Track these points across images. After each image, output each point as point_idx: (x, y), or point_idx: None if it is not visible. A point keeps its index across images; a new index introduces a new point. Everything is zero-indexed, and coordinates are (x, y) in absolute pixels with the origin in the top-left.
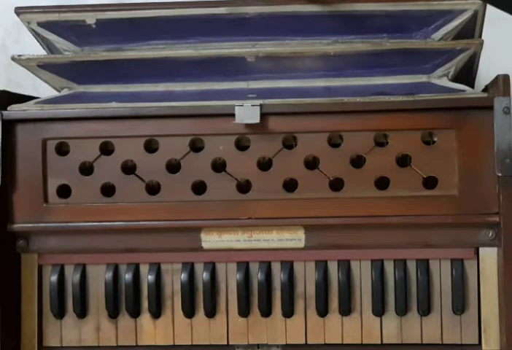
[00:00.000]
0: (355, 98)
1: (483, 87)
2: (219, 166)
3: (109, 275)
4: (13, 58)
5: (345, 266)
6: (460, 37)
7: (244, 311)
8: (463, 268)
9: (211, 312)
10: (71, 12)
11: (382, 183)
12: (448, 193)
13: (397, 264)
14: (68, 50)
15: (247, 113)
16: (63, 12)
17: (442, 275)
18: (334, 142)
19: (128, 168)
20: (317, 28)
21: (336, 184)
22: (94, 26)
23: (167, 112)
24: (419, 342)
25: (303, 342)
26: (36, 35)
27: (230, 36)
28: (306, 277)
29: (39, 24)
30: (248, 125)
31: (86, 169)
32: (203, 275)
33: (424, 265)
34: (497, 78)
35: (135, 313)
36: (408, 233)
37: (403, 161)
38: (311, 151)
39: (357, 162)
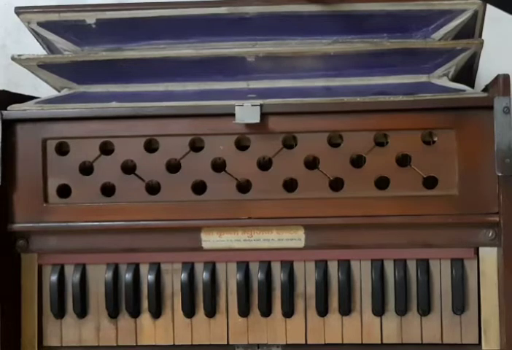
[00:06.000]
0: (355, 98)
1: (483, 87)
2: (219, 166)
3: (109, 275)
4: (13, 58)
5: (345, 266)
6: (460, 37)
7: (244, 311)
8: (463, 268)
9: (211, 312)
10: (71, 12)
11: (382, 183)
12: (448, 193)
13: (397, 264)
14: (68, 50)
15: (247, 113)
16: (63, 12)
17: (442, 275)
18: (334, 142)
19: (128, 168)
20: (317, 28)
21: (336, 184)
22: (94, 26)
23: (167, 112)
24: (419, 342)
25: (303, 342)
26: (36, 35)
27: (230, 36)
28: (306, 277)
29: (39, 24)
30: (248, 125)
31: (86, 169)
32: (203, 275)
33: (424, 265)
34: (497, 78)
35: (135, 313)
36: (408, 233)
37: (403, 161)
38: (311, 151)
39: (357, 162)
